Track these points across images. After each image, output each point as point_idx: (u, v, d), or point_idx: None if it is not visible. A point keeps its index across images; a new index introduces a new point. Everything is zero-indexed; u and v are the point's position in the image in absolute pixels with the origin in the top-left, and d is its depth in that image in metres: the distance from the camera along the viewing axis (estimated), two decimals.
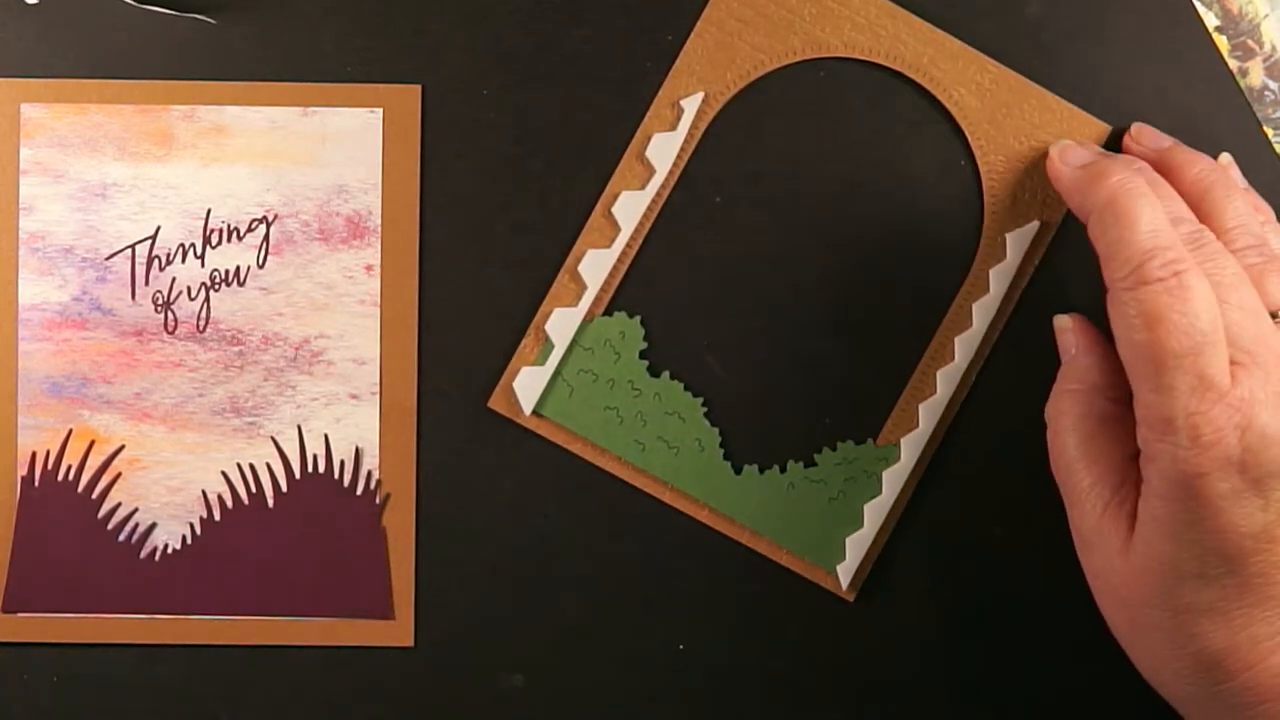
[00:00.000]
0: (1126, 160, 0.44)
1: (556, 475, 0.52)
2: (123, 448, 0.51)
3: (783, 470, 0.52)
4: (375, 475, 0.51)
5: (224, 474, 0.51)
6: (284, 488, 0.51)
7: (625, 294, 0.52)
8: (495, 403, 0.52)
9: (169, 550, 0.51)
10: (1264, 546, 0.38)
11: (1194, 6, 0.52)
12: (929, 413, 0.51)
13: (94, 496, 0.51)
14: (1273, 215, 0.47)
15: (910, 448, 0.51)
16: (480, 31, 0.52)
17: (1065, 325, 0.45)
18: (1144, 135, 0.47)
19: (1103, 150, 0.46)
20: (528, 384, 0.51)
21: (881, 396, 0.52)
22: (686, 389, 0.52)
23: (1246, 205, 0.44)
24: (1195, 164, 0.45)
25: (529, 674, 0.52)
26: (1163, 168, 0.45)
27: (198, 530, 0.51)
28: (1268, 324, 0.39)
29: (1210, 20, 0.52)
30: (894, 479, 0.51)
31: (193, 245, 0.51)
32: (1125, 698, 0.52)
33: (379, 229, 0.51)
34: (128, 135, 0.51)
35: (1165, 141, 0.47)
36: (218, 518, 0.51)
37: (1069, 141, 0.46)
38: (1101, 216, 0.41)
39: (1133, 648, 0.43)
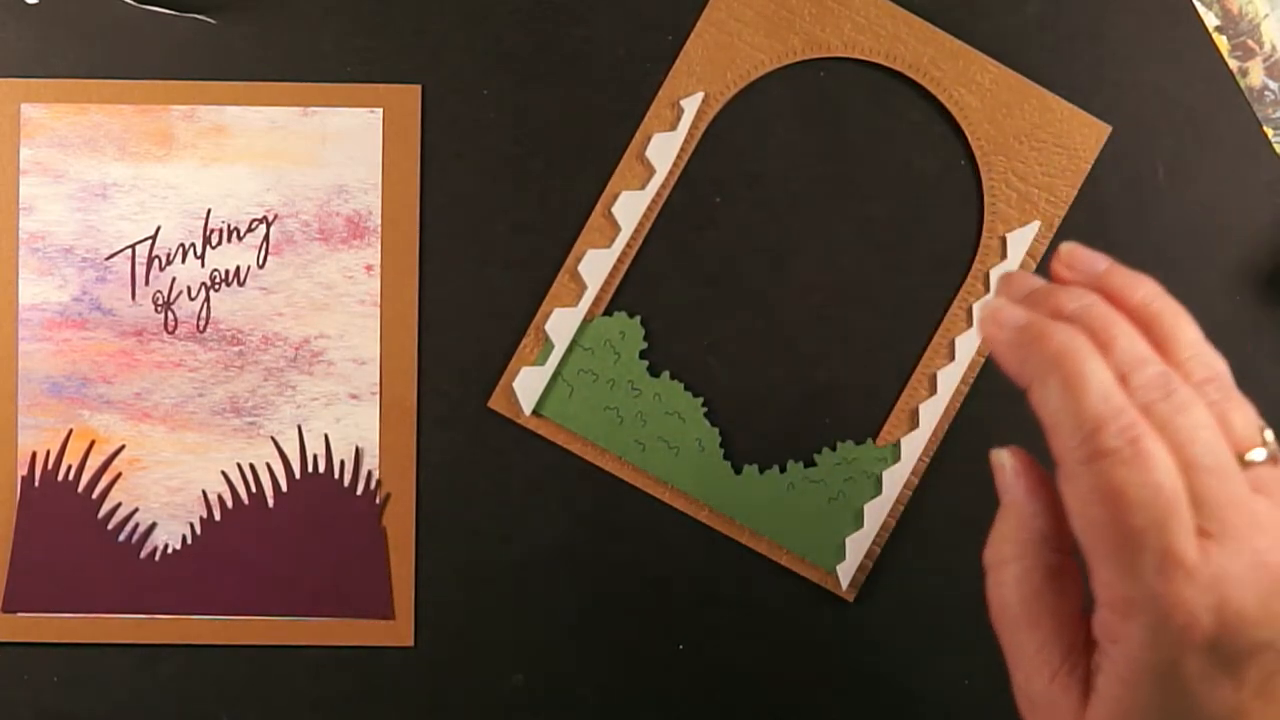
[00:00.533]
0: (1074, 294, 0.39)
1: (556, 475, 0.52)
2: (123, 448, 0.51)
3: (783, 470, 0.52)
4: (375, 475, 0.51)
5: (224, 474, 0.51)
6: (284, 488, 0.51)
7: (625, 294, 0.52)
8: (495, 403, 0.52)
9: (169, 550, 0.51)
10: None
11: (1194, 6, 0.52)
12: (929, 413, 0.51)
13: (94, 496, 0.51)
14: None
15: (910, 448, 0.51)
16: (480, 31, 0.52)
17: (1004, 462, 0.40)
18: (1076, 259, 0.40)
19: (1041, 282, 0.40)
20: (528, 384, 0.51)
21: (881, 396, 0.52)
22: (686, 389, 0.52)
23: (1195, 329, 0.39)
24: (1137, 288, 0.40)
25: (529, 674, 0.52)
26: (1103, 295, 0.40)
27: (198, 530, 0.51)
28: (1236, 482, 0.36)
29: (1210, 20, 0.52)
30: (894, 479, 0.51)
31: (193, 245, 0.51)
32: None
33: (379, 229, 0.51)
34: (128, 135, 0.51)
35: (1101, 264, 0.40)
36: (218, 518, 0.51)
37: (1000, 301, 0.39)
38: (1045, 384, 0.37)
39: None
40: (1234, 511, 0.35)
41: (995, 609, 0.39)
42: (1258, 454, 0.37)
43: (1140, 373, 0.36)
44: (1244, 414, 0.38)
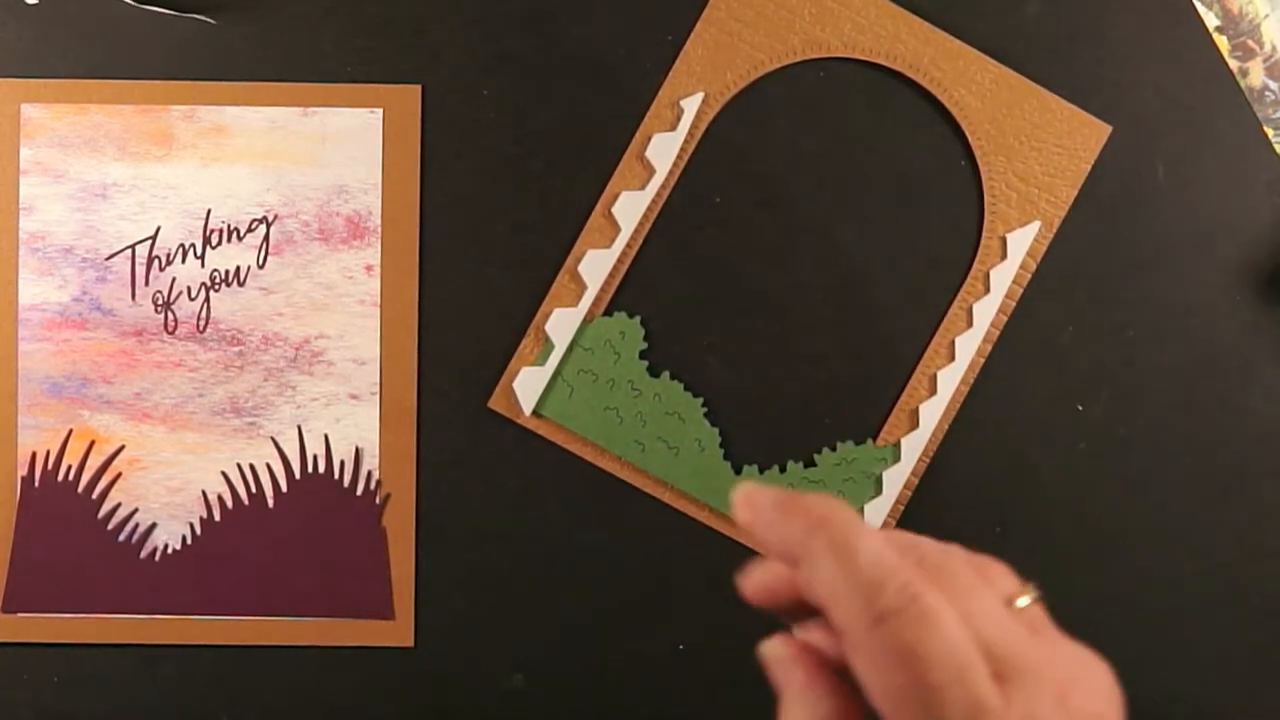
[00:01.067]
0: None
1: (556, 475, 0.52)
2: (123, 448, 0.51)
3: (783, 470, 0.52)
4: (375, 475, 0.51)
5: (224, 474, 0.51)
6: (284, 488, 0.51)
7: (625, 294, 0.52)
8: (495, 403, 0.52)
9: (169, 550, 0.51)
10: None
11: (1194, 6, 0.52)
12: (929, 413, 0.51)
13: (94, 496, 0.51)
14: None
15: (910, 448, 0.51)
16: (480, 31, 0.52)
17: (776, 654, 0.37)
18: (752, 499, 0.37)
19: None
20: (528, 384, 0.51)
21: (881, 396, 0.52)
22: (686, 389, 0.52)
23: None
24: (822, 504, 0.37)
25: (529, 674, 0.52)
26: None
27: (198, 530, 0.51)
28: (1015, 629, 0.35)
29: (1210, 20, 0.52)
30: (894, 479, 0.51)
31: (193, 245, 0.51)
32: (1127, 695, 0.52)
33: (379, 229, 0.51)
34: (128, 135, 0.51)
35: (768, 497, 0.38)
36: (218, 518, 0.51)
37: (748, 485, 0.36)
38: (812, 555, 0.35)
39: None
40: (1024, 654, 0.35)
41: None
42: (1024, 600, 0.37)
43: (895, 541, 0.36)
44: (996, 567, 0.38)
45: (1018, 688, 0.34)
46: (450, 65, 0.52)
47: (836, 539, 0.35)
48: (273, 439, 0.51)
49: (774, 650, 0.38)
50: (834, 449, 0.52)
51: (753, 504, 0.37)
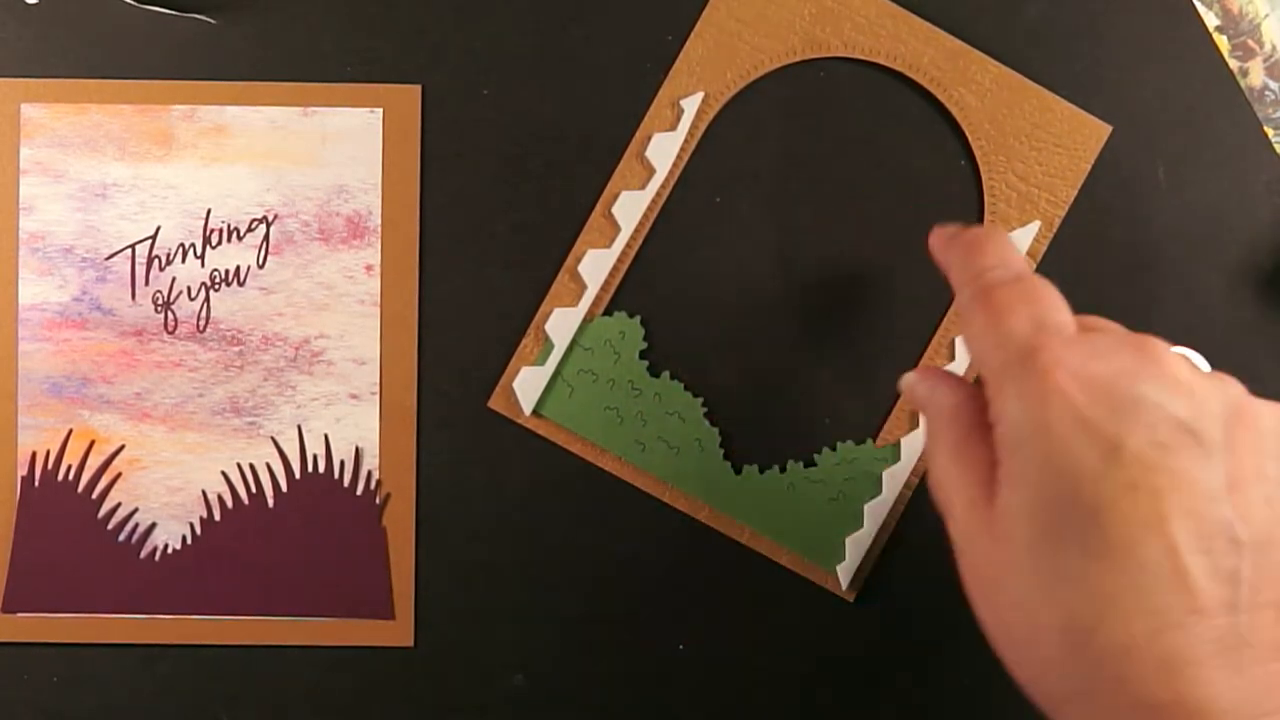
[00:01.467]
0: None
1: (556, 475, 0.52)
2: (123, 448, 0.51)
3: (783, 470, 0.52)
4: (375, 475, 0.51)
5: (224, 474, 0.51)
6: (284, 488, 0.51)
7: (625, 294, 0.52)
8: (495, 403, 0.52)
9: (169, 550, 0.51)
10: (1123, 496, 0.35)
11: (1194, 6, 0.52)
12: None
13: (94, 496, 0.51)
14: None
15: (910, 448, 0.51)
16: (480, 31, 0.52)
17: (911, 379, 0.44)
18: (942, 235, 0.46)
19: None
20: (528, 384, 0.51)
21: (881, 396, 0.52)
22: (686, 389, 0.52)
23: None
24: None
25: (529, 674, 0.52)
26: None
27: (198, 530, 0.51)
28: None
29: (1210, 20, 0.52)
30: (894, 479, 0.51)
31: (193, 245, 0.51)
32: None
33: (379, 229, 0.51)
34: (128, 135, 0.51)
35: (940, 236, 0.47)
36: (218, 518, 0.51)
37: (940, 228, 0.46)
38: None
39: (1007, 642, 0.39)
40: (1099, 324, 0.41)
41: (932, 475, 0.42)
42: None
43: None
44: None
45: (1084, 336, 0.39)
46: (450, 65, 0.52)
47: (970, 239, 0.43)
48: (273, 439, 0.51)
49: (909, 380, 0.44)
50: (834, 449, 0.52)
51: (933, 242, 0.45)
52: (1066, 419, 0.36)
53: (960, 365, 0.51)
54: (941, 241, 0.44)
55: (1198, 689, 0.34)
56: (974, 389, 0.41)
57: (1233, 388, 0.39)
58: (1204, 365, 0.44)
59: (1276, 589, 0.35)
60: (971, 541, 0.39)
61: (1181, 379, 0.37)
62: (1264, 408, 0.39)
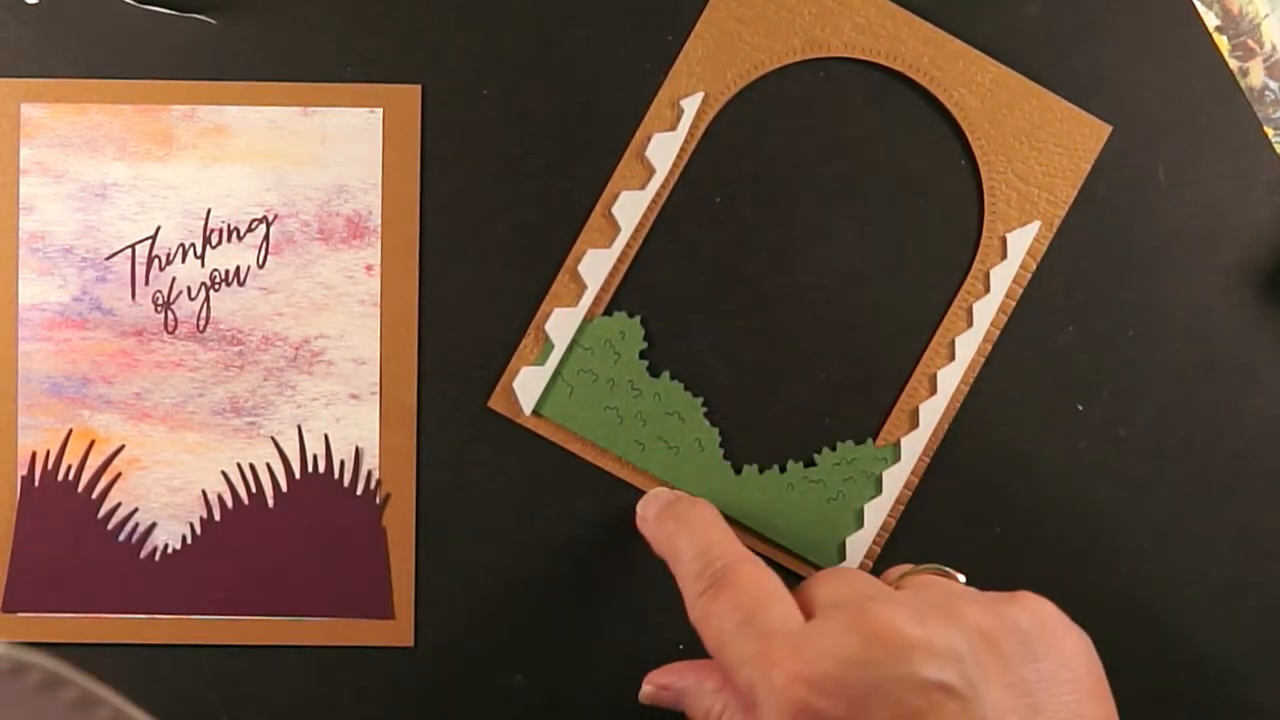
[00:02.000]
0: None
1: (556, 475, 0.52)
2: (123, 448, 0.51)
3: (783, 470, 0.52)
4: (375, 475, 0.51)
5: (224, 474, 0.51)
6: (284, 488, 0.51)
7: (625, 294, 0.52)
8: (495, 403, 0.52)
9: (169, 550, 0.51)
10: None
11: (1194, 6, 0.52)
12: (929, 413, 0.51)
13: (94, 496, 0.51)
14: None
15: (910, 448, 0.51)
16: (480, 31, 0.52)
17: (657, 680, 0.44)
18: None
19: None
20: (528, 384, 0.51)
21: (881, 396, 0.52)
22: (686, 389, 0.52)
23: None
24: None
25: (529, 674, 0.52)
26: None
27: (198, 530, 0.51)
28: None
29: (1210, 20, 0.52)
30: (894, 479, 0.51)
31: (193, 245, 0.51)
32: (1126, 696, 0.52)
33: (379, 229, 0.51)
34: (128, 135, 0.51)
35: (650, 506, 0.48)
36: (218, 518, 0.51)
37: (651, 493, 0.47)
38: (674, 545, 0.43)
39: None
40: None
41: None
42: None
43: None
44: None
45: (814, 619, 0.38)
46: (450, 65, 0.52)
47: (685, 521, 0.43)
48: (273, 439, 0.51)
49: (650, 685, 0.44)
50: (834, 449, 0.52)
51: (641, 510, 0.46)
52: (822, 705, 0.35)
53: (960, 366, 0.52)
54: (653, 512, 0.45)
55: None
56: (713, 685, 0.41)
57: (969, 612, 0.38)
58: (959, 577, 0.44)
59: None
60: None
61: (914, 641, 0.36)
62: (990, 619, 0.38)
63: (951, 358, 0.52)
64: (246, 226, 0.51)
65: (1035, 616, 0.39)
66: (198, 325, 0.51)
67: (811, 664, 0.36)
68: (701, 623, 0.40)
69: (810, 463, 0.52)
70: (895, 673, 0.35)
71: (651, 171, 0.51)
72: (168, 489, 0.51)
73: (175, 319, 0.51)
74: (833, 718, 0.35)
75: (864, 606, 0.37)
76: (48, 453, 0.51)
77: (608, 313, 0.52)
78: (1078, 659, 0.39)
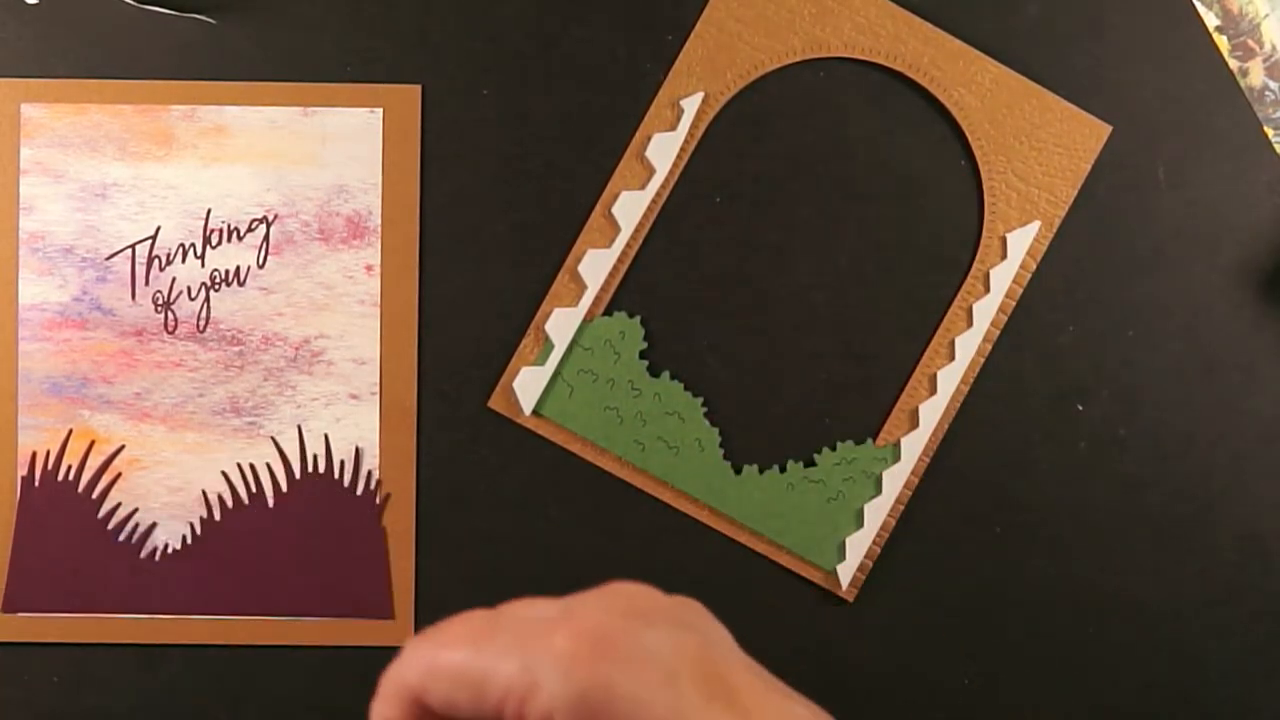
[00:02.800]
0: None
1: (556, 475, 0.52)
2: (123, 448, 0.51)
3: (782, 470, 0.52)
4: (375, 475, 0.51)
5: (224, 474, 0.51)
6: (284, 488, 0.51)
7: (625, 294, 0.52)
8: (495, 403, 0.52)
9: (169, 550, 0.51)
10: None
11: (1194, 6, 0.52)
12: (929, 413, 0.51)
13: (94, 496, 0.51)
14: None
15: (910, 448, 0.51)
16: (480, 31, 0.52)
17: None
18: None
19: None
20: (528, 384, 0.51)
21: (881, 396, 0.52)
22: (686, 389, 0.52)
23: None
24: None
25: None
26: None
27: (198, 530, 0.51)
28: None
29: (1210, 20, 0.52)
30: (894, 479, 0.51)
31: (193, 245, 0.51)
32: (1128, 696, 0.52)
33: (379, 229, 0.51)
34: (128, 135, 0.51)
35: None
36: (218, 518, 0.51)
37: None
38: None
39: None
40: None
41: None
42: None
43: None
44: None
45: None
46: (450, 65, 0.52)
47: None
48: (273, 439, 0.51)
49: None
50: (834, 449, 0.52)
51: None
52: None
53: (960, 366, 0.51)
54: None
55: None
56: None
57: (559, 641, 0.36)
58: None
59: None
60: None
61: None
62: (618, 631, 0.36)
63: (951, 358, 0.52)
64: (246, 226, 0.51)
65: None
66: (198, 325, 0.51)
67: (592, 619, 0.35)
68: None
69: (810, 463, 0.52)
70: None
71: (651, 171, 0.51)
72: (168, 489, 0.51)
73: (175, 319, 0.51)
74: (625, 656, 0.34)
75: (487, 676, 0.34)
76: (48, 453, 0.51)
77: (608, 313, 0.52)
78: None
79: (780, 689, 0.34)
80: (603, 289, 0.51)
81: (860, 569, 0.51)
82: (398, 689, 0.35)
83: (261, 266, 0.51)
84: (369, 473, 0.51)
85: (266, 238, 0.51)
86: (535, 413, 0.51)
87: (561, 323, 0.51)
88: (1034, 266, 0.52)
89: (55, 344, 0.51)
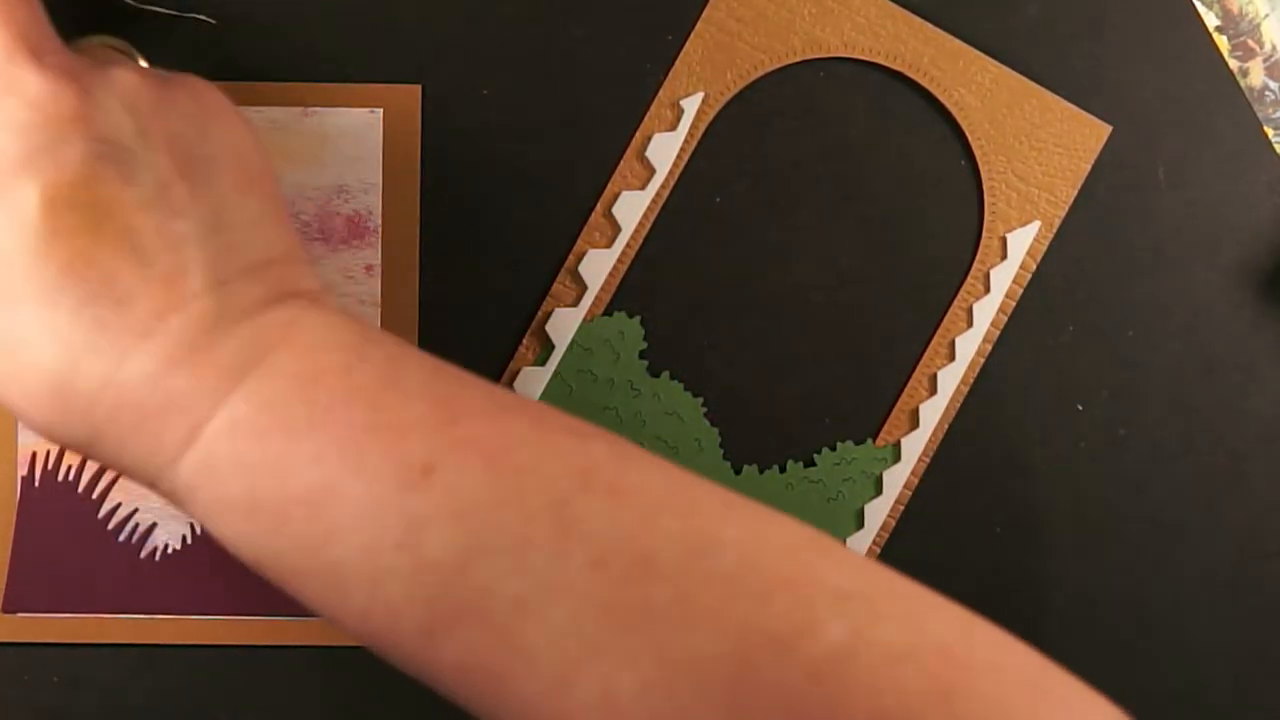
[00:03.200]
0: None
1: None
2: None
3: (782, 470, 0.52)
4: None
5: None
6: None
7: (625, 294, 0.52)
8: None
9: (169, 550, 0.51)
10: (51, 244, 0.34)
11: (1194, 6, 0.52)
12: (929, 413, 0.51)
13: (94, 496, 0.51)
14: None
15: (910, 448, 0.51)
16: (480, 31, 0.52)
17: None
18: None
19: None
20: (528, 384, 0.51)
21: (881, 396, 0.52)
22: (686, 389, 0.52)
23: None
24: None
25: None
26: None
27: (198, 530, 0.51)
28: None
29: (1210, 20, 0.52)
30: (894, 479, 0.51)
31: None
32: (1128, 696, 0.52)
33: (379, 229, 0.51)
34: None
35: None
36: None
37: None
38: None
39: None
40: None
41: None
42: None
43: None
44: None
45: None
46: (450, 65, 0.52)
47: None
48: None
49: None
50: (834, 449, 0.52)
51: None
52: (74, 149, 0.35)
53: (960, 366, 0.52)
54: None
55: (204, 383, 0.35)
56: None
57: (131, 81, 0.37)
58: (141, 61, 0.42)
59: (242, 257, 0.37)
60: None
61: (76, 112, 0.35)
62: (153, 92, 0.38)
63: (951, 358, 0.52)
64: None
65: (199, 98, 0.39)
66: None
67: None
68: None
69: (810, 463, 0.52)
70: (46, 143, 0.35)
71: (651, 171, 0.51)
72: None
73: None
74: None
75: (15, 72, 0.35)
76: (48, 453, 0.51)
77: (608, 313, 0.52)
78: (243, 145, 0.39)
79: None
80: (603, 289, 0.51)
81: None
82: None
83: None
84: None
85: None
86: None
87: (561, 323, 0.51)
88: (1034, 266, 0.52)
89: None
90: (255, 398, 0.35)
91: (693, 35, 0.52)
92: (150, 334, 0.35)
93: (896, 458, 0.52)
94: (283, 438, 0.35)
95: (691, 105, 0.51)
